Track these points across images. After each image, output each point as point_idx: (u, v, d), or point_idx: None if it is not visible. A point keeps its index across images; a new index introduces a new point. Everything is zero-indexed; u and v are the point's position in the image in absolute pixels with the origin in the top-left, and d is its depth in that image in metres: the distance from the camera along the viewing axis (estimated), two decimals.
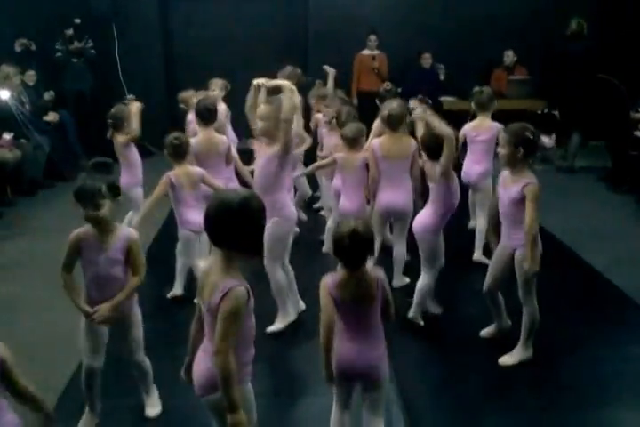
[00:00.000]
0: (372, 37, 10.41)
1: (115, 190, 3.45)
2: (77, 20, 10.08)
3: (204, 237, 4.97)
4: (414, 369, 4.36)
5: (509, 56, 10.57)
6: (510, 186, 4.08)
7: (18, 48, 9.74)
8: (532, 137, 4.06)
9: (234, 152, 5.80)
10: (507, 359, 4.31)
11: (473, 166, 5.96)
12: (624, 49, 9.90)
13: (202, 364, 2.71)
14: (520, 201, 4.01)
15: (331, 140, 6.18)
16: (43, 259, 6.26)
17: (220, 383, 2.51)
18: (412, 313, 4.84)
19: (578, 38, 9.56)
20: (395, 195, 5.20)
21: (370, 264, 3.00)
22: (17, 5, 9.98)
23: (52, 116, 9.52)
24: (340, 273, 3.00)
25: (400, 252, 5.48)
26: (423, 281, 4.79)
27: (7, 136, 8.32)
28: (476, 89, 6.20)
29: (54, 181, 9.02)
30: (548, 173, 9.34)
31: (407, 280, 5.52)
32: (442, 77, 10.54)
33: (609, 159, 9.00)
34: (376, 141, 5.24)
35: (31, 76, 9.48)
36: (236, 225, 2.52)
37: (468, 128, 6.01)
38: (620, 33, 10.00)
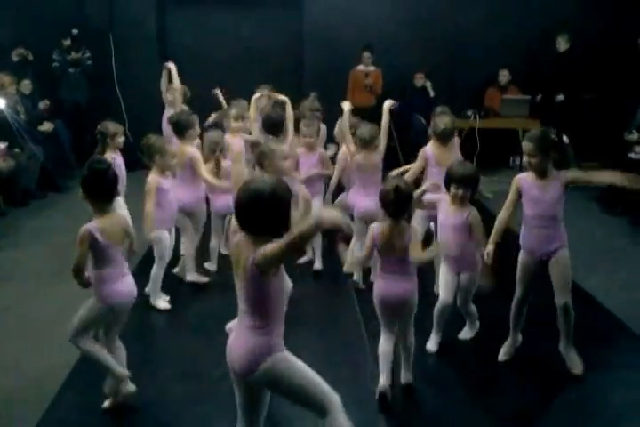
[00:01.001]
0: (366, 54, 10.40)
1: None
2: (75, 31, 10.10)
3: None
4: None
5: (505, 75, 10.66)
6: (549, 188, 4.15)
7: (15, 57, 9.77)
8: (557, 138, 4.19)
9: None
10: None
11: None
12: (613, 67, 9.97)
13: (238, 343, 2.86)
14: (562, 199, 4.17)
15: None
16: (31, 270, 6.24)
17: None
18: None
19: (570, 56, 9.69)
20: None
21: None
22: (15, 15, 10.01)
23: (46, 126, 9.51)
24: (383, 223, 3.84)
25: None
26: None
27: (1, 145, 8.31)
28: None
29: (47, 192, 8.99)
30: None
31: None
32: (432, 94, 10.55)
33: None
34: (429, 150, 5.43)
35: (27, 86, 9.50)
36: (266, 213, 2.75)
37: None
38: (610, 51, 10.07)
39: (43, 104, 9.59)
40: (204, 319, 5.16)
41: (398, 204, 3.77)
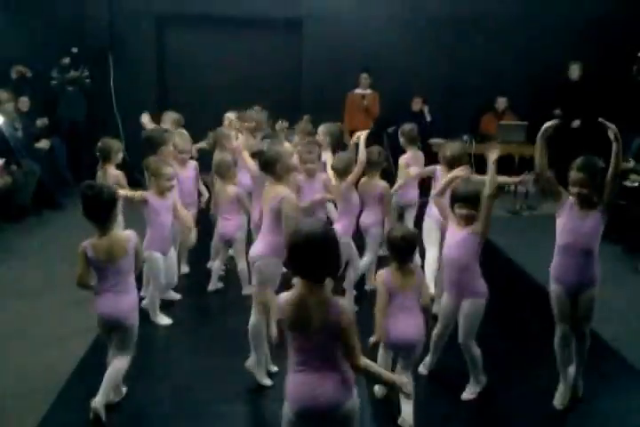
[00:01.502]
0: (364, 75, 10.45)
1: None
2: (74, 49, 10.15)
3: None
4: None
5: (502, 102, 10.75)
6: (589, 218, 4.02)
7: (14, 75, 9.79)
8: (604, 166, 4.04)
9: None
10: None
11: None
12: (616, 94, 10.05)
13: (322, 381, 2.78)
14: (600, 231, 4.06)
15: None
16: (23, 286, 6.22)
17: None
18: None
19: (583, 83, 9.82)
20: None
21: None
22: (15, 32, 10.03)
23: (43, 144, 9.51)
24: (391, 268, 3.94)
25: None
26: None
27: None
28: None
29: (42, 209, 8.98)
30: (534, 218, 9.40)
31: None
32: (429, 119, 10.61)
33: None
34: (438, 172, 5.76)
35: (25, 103, 9.51)
36: (323, 257, 2.75)
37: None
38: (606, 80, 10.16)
39: (40, 122, 9.60)
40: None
41: (406, 250, 3.93)
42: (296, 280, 2.86)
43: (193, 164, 6.44)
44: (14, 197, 8.53)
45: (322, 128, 6.46)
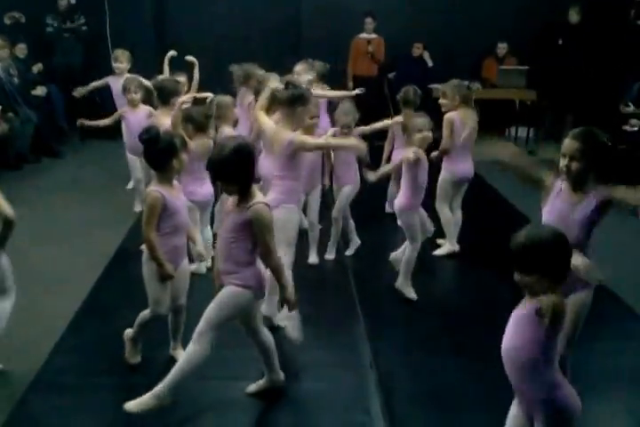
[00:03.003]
0: (369, 20, 10.26)
1: None
2: None
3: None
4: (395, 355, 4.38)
5: (503, 48, 10.62)
6: (580, 206, 3.29)
7: (7, 21, 9.64)
8: (609, 143, 3.33)
9: None
10: None
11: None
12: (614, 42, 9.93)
13: None
14: (594, 223, 3.31)
15: None
16: (22, 233, 6.23)
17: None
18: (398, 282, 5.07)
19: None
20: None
21: None
22: None
23: (40, 91, 9.43)
24: None
25: (458, 217, 5.94)
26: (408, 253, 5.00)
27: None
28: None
29: (40, 156, 8.96)
30: (534, 164, 9.36)
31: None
32: (430, 64, 10.49)
33: None
34: (455, 115, 5.78)
35: (22, 50, 9.40)
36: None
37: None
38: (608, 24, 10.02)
39: (36, 68, 9.51)
40: None
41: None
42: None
43: None
44: (12, 144, 8.51)
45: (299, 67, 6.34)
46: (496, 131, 10.43)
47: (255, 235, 3.27)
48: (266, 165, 5.10)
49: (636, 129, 8.20)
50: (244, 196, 3.25)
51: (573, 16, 10.17)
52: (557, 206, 3.34)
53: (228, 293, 3.37)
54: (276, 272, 3.39)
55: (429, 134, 4.84)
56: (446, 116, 5.82)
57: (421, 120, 4.88)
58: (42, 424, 3.52)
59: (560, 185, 3.37)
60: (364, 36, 10.40)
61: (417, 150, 4.76)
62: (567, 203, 3.31)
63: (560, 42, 10.18)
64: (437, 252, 5.93)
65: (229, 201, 3.39)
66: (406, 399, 3.88)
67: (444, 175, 5.86)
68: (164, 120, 5.30)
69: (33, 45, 9.74)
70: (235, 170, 3.20)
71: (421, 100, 6.21)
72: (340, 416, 3.63)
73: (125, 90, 6.34)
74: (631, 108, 8.40)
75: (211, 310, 3.37)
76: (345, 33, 10.41)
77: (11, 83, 8.72)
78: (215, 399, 3.78)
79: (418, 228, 4.98)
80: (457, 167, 5.85)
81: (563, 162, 3.28)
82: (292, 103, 4.29)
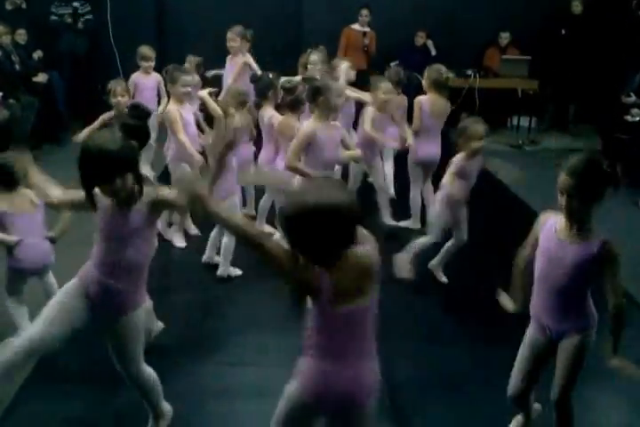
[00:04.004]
0: (365, 12, 9.97)
1: None
2: None
3: None
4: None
5: (505, 38, 10.60)
6: (574, 247, 2.89)
7: (8, 6, 9.62)
8: (611, 170, 2.89)
9: None
10: None
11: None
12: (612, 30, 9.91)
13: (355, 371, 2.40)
14: (590, 267, 2.88)
15: None
16: None
17: None
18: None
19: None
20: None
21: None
22: None
23: (41, 77, 9.40)
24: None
25: (425, 197, 6.24)
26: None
27: None
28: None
29: (42, 144, 8.95)
30: (535, 153, 9.39)
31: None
32: (433, 53, 10.46)
33: (598, 142, 9.02)
34: (424, 98, 5.88)
35: (22, 35, 9.34)
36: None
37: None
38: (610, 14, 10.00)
39: (36, 55, 9.48)
40: None
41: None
42: None
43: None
44: (13, 130, 8.48)
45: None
46: (499, 120, 10.46)
47: None
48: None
49: (637, 119, 8.18)
50: None
51: (577, 7, 10.15)
52: (550, 246, 2.95)
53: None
54: None
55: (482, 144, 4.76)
56: (416, 99, 6.01)
57: (482, 128, 4.77)
58: None
59: (554, 223, 2.96)
60: (357, 27, 10.12)
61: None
62: (562, 243, 2.90)
63: (563, 32, 10.17)
64: (402, 223, 6.41)
65: None
66: (408, 386, 3.92)
67: (409, 156, 6.16)
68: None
69: (34, 31, 9.71)
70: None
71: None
72: None
73: (111, 92, 5.86)
74: (632, 99, 8.37)
75: None
76: (348, 22, 10.34)
77: (12, 69, 8.70)
78: (225, 385, 3.87)
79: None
80: (419, 149, 6.05)
81: (561, 200, 2.87)
82: (313, 96, 4.49)
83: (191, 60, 7.36)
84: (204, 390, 3.81)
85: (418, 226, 6.30)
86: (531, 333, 3.13)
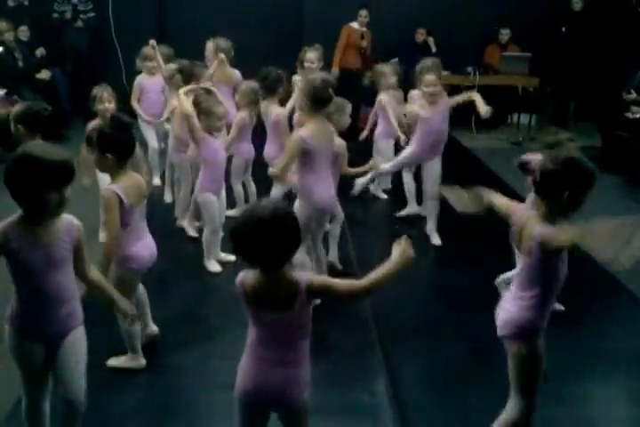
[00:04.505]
0: (364, 13, 9.64)
1: None
2: None
3: None
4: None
5: (506, 34, 10.61)
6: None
7: (11, 3, 9.64)
8: (589, 171, 2.80)
9: None
10: None
11: None
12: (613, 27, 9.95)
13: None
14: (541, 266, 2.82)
15: None
16: None
17: None
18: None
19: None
20: None
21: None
22: None
23: (44, 74, 9.43)
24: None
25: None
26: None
27: (0, 92, 8.26)
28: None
29: (45, 141, 8.95)
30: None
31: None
32: (434, 50, 10.46)
33: (598, 139, 9.05)
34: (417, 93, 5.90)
35: (24, 32, 9.37)
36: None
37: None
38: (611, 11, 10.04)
39: (39, 52, 9.50)
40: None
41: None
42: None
43: None
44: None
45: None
46: (498, 117, 10.48)
47: None
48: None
49: (637, 116, 8.22)
50: None
51: (577, 4, 10.19)
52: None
53: None
54: None
55: None
56: (409, 93, 6.26)
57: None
58: None
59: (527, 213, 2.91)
60: (356, 26, 9.82)
61: None
62: (526, 215, 2.88)
63: (563, 29, 10.21)
64: (402, 212, 6.58)
65: None
66: (411, 381, 3.95)
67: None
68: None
69: (35, 28, 9.74)
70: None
71: None
72: (344, 396, 3.69)
73: (96, 99, 5.55)
74: (633, 96, 8.41)
75: None
76: (347, 19, 10.33)
77: (15, 65, 8.72)
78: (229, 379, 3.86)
79: None
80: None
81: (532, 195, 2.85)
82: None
83: (164, 52, 7.12)
84: (207, 383, 3.83)
85: (415, 209, 6.52)
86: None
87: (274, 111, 5.72)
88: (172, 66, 6.42)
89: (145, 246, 3.74)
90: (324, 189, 4.40)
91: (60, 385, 2.88)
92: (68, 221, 2.77)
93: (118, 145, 3.53)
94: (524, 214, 2.88)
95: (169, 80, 6.32)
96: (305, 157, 4.25)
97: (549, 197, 2.78)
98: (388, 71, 6.62)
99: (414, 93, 6.00)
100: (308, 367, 2.57)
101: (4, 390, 3.57)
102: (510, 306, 2.92)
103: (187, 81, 5.68)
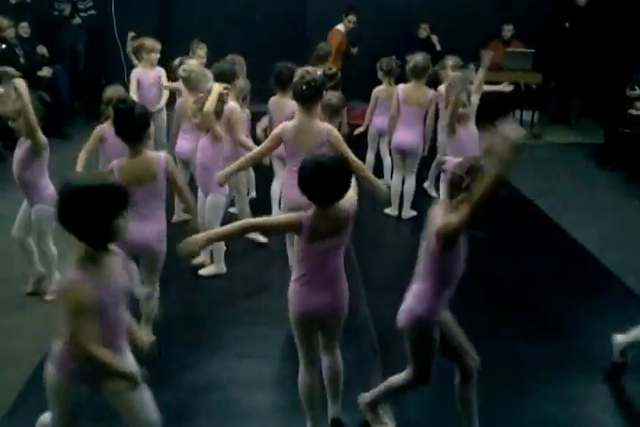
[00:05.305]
0: (353, 18, 9.38)
1: None
2: None
3: None
4: None
5: (509, 30, 10.55)
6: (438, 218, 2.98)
7: (12, 0, 9.62)
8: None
9: None
10: None
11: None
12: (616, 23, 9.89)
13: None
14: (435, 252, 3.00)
15: None
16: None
17: None
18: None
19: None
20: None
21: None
22: None
23: (45, 71, 9.42)
24: None
25: (410, 185, 6.50)
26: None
27: (1, 90, 8.24)
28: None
29: (48, 138, 8.95)
30: (538, 148, 9.37)
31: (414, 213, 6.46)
32: (438, 48, 10.42)
33: (601, 136, 9.01)
34: (401, 87, 6.32)
35: (24, 28, 9.36)
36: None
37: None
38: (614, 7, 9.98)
39: (40, 49, 9.49)
40: None
41: None
42: None
43: None
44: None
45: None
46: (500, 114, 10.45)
47: None
48: None
49: None
50: None
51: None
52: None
53: None
54: None
55: None
56: (396, 87, 6.53)
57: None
58: None
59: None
60: (343, 31, 9.48)
61: None
62: (435, 213, 3.04)
63: (567, 25, 10.15)
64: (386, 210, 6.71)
65: None
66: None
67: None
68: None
69: (36, 25, 9.72)
70: None
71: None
72: (344, 397, 3.64)
73: (110, 102, 5.35)
74: (637, 92, 8.37)
75: None
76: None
77: (17, 62, 8.70)
78: (230, 376, 3.93)
79: None
80: (394, 136, 6.43)
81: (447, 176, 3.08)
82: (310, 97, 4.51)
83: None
84: (209, 381, 3.84)
85: (395, 213, 6.65)
86: None
87: (291, 103, 5.54)
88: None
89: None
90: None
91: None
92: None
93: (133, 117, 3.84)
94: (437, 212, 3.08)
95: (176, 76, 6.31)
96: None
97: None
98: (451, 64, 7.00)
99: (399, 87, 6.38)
100: (345, 281, 3.21)
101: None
102: (408, 297, 3.16)
103: (228, 80, 5.54)
